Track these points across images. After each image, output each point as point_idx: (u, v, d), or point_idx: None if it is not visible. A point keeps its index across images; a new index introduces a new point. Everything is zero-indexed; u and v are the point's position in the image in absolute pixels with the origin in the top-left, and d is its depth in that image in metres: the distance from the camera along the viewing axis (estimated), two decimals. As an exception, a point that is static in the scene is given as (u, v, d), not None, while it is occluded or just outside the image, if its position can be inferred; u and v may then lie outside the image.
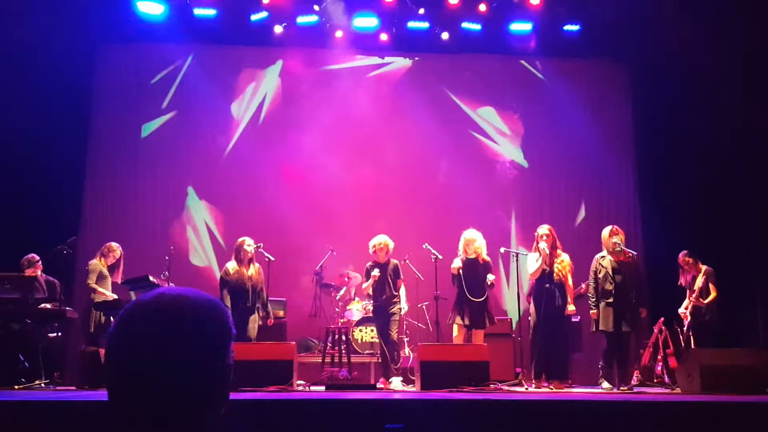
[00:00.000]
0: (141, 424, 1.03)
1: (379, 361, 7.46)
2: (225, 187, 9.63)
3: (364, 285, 7.36)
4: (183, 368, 1.04)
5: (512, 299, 8.38)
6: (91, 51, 9.54)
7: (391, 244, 7.32)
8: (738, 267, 8.76)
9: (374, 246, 7.27)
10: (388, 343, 7.10)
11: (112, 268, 7.31)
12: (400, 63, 10.21)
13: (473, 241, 7.03)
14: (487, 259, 7.09)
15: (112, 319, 6.95)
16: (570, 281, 6.92)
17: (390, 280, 7.24)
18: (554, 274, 6.83)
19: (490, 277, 6.92)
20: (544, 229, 6.99)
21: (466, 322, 6.86)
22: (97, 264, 7.22)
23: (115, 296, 7.03)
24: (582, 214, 9.93)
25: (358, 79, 9.93)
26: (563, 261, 6.92)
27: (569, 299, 6.85)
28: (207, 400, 1.07)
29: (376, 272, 7.17)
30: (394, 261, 7.39)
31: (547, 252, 6.83)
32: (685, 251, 7.67)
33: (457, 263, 6.99)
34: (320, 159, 9.52)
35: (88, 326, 7.03)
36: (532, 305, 6.93)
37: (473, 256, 7.00)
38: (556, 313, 6.78)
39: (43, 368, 6.32)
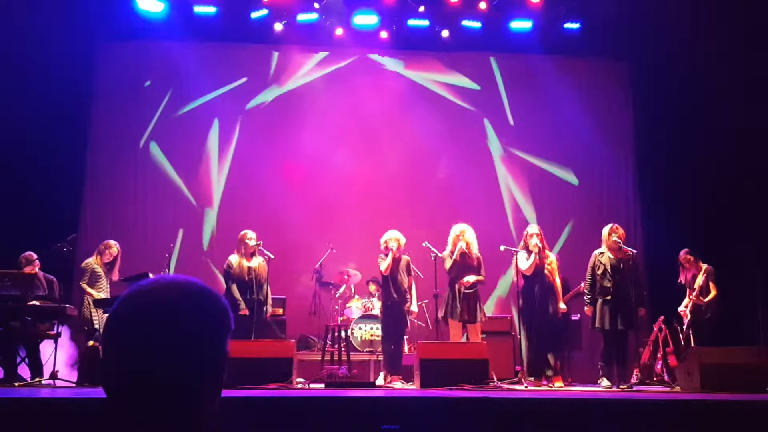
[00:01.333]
0: (137, 417, 1.02)
1: (380, 359, 7.44)
2: (225, 184, 9.63)
3: (384, 266, 7.10)
4: (178, 361, 1.02)
5: (511, 297, 8.38)
6: (91, 49, 9.51)
7: (403, 240, 7.18)
8: (738, 266, 8.75)
9: (385, 241, 7.17)
10: (395, 343, 7.06)
11: (110, 266, 7.28)
12: (399, 61, 10.20)
13: (471, 234, 7.05)
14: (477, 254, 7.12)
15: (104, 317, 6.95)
16: (558, 280, 7.07)
17: (402, 277, 7.16)
18: (545, 273, 6.93)
19: (473, 278, 6.92)
20: (534, 229, 7.14)
21: (465, 317, 6.85)
22: (90, 263, 7.18)
23: (107, 296, 7.00)
24: (581, 212, 9.91)
25: (358, 77, 9.91)
26: (551, 261, 7.05)
27: (560, 297, 7.03)
28: (203, 393, 1.05)
29: (393, 245, 7.04)
30: (405, 257, 7.28)
31: (540, 246, 6.94)
32: (685, 249, 7.67)
33: (474, 249, 6.97)
34: (320, 157, 9.52)
35: (80, 324, 7.02)
36: (521, 303, 7.00)
37: (466, 249, 6.99)
38: (549, 311, 6.86)
39: (43, 366, 6.32)
